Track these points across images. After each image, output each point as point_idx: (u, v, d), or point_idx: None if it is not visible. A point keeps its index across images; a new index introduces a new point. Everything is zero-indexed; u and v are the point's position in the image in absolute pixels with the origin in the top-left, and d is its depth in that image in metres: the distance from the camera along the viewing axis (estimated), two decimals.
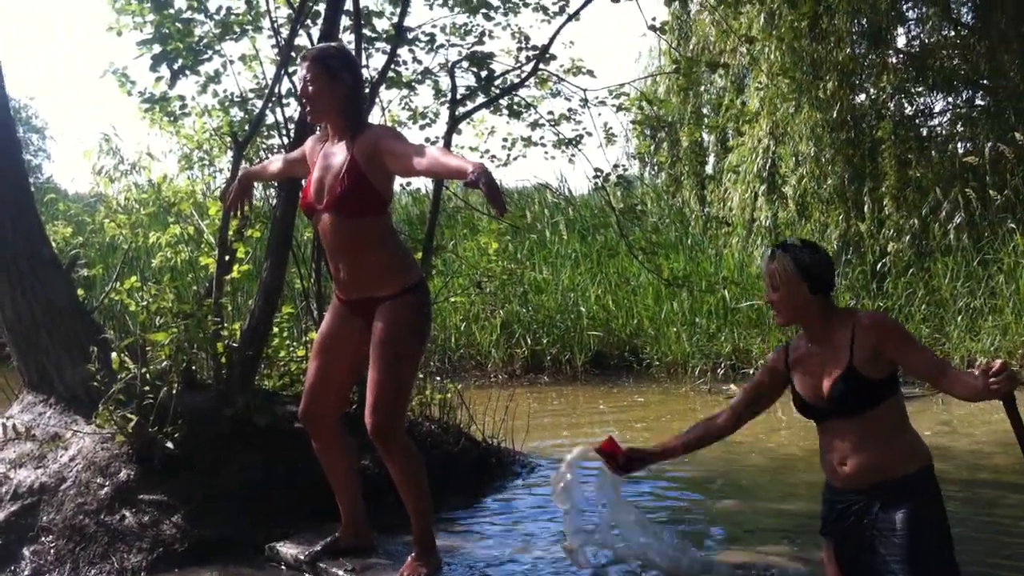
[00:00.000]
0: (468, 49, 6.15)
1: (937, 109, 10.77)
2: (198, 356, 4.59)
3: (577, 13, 6.20)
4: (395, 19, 5.78)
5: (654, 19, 6.58)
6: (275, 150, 5.70)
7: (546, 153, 6.99)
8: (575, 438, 6.69)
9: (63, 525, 3.88)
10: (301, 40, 5.19)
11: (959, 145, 10.19)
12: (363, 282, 3.35)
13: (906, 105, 10.38)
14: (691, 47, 12.24)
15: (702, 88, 12.67)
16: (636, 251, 7.77)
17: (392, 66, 5.79)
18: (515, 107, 6.56)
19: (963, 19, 10.71)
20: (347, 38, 5.30)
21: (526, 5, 6.35)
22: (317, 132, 3.61)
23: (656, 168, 14.60)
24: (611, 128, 7.03)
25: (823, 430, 2.57)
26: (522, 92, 6.48)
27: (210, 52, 5.29)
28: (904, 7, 10.49)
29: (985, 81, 10.26)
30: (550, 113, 6.79)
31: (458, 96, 6.03)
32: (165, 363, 4.27)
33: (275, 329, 5.00)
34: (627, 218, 7.88)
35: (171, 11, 5.05)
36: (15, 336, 4.49)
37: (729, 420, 2.76)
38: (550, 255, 11.65)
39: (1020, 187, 9.18)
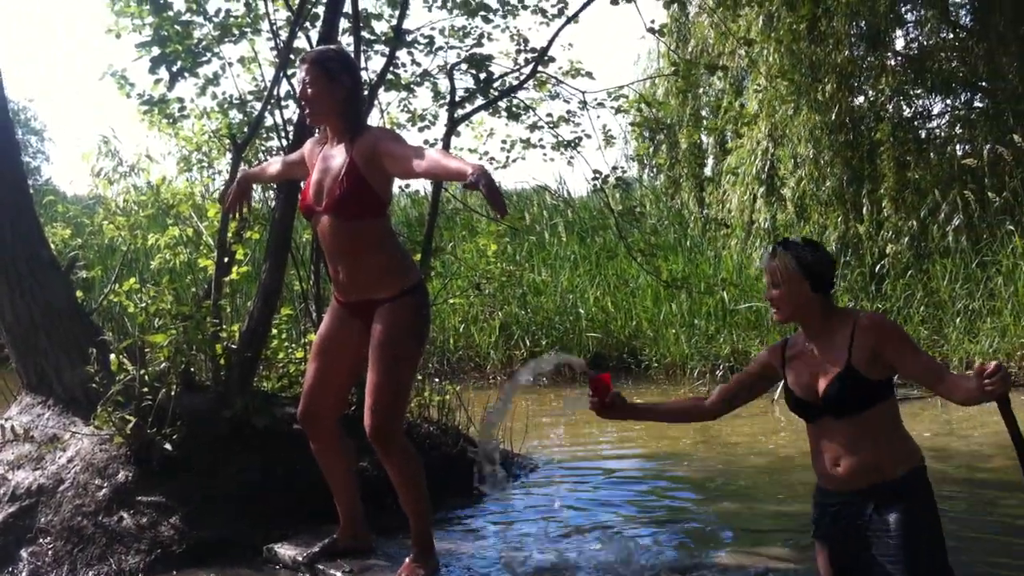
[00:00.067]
0: (467, 51, 6.16)
1: (936, 111, 10.79)
2: (197, 358, 4.59)
3: (576, 15, 6.22)
4: (394, 21, 5.79)
5: (653, 21, 6.60)
6: (274, 152, 5.70)
7: (545, 155, 7.01)
8: (574, 439, 6.70)
9: (61, 526, 3.88)
10: (300, 42, 5.19)
11: (958, 147, 10.20)
12: (362, 284, 3.35)
13: (905, 107, 10.40)
14: (690, 49, 12.26)
15: (701, 90, 12.69)
16: (635, 253, 7.77)
17: (391, 68, 5.80)
18: (514, 109, 6.57)
19: (962, 21, 10.73)
20: (346, 40, 5.31)
21: (525, 7, 6.36)
22: (316, 134, 3.61)
23: (655, 170, 14.62)
24: (610, 130, 7.13)
25: (815, 430, 2.56)
26: (521, 94, 6.50)
27: (209, 54, 5.30)
28: (903, 9, 10.50)
29: (984, 83, 10.28)
30: (549, 115, 6.82)
31: (457, 98, 6.04)
32: (164, 365, 4.27)
33: (274, 331, 5.00)
34: (626, 220, 7.88)
35: (170, 13, 5.05)
36: (14, 338, 4.49)
37: (716, 405, 2.76)
38: (549, 257, 11.66)
39: (1019, 189, 9.19)
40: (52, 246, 4.91)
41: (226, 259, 4.78)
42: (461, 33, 6.27)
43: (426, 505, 3.46)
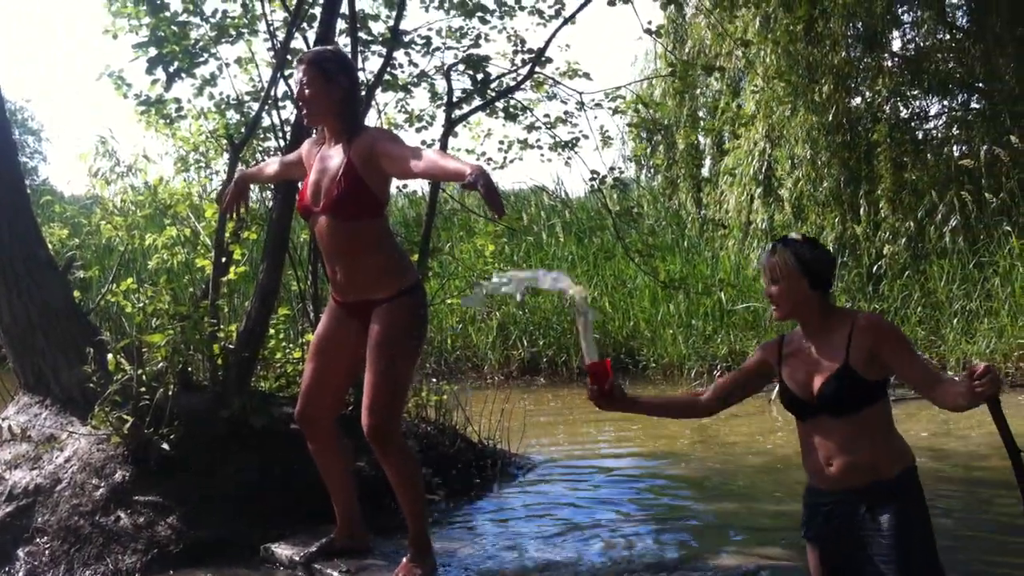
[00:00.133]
0: (464, 52, 6.17)
1: (932, 112, 10.81)
2: (194, 358, 4.60)
3: (573, 16, 6.24)
4: (391, 22, 5.80)
5: (650, 23, 6.60)
6: (271, 153, 5.71)
7: (542, 156, 7.02)
8: (571, 439, 6.70)
9: (58, 526, 3.88)
10: (297, 43, 5.21)
11: (955, 148, 10.21)
12: (360, 284, 3.35)
13: (902, 108, 10.40)
14: (687, 50, 12.27)
15: (698, 91, 12.69)
16: (632, 253, 7.78)
17: (388, 69, 5.80)
18: (511, 110, 6.58)
19: (958, 23, 10.74)
20: (343, 41, 5.31)
21: (522, 8, 6.37)
22: (314, 135, 3.61)
23: (652, 171, 14.62)
24: (607, 131, 7.11)
25: (808, 428, 2.56)
26: (518, 95, 6.50)
27: (206, 55, 5.30)
28: (899, 11, 10.52)
29: (980, 84, 10.29)
30: (546, 116, 6.84)
31: (454, 99, 6.05)
32: (161, 365, 4.27)
33: (271, 331, 5.00)
34: (623, 220, 7.89)
35: (167, 14, 5.05)
36: (11, 338, 4.49)
37: (712, 401, 2.75)
38: (547, 257, 11.67)
39: (1015, 190, 9.20)
40: (49, 246, 4.91)
41: (223, 259, 4.78)
42: (458, 34, 6.28)
43: (423, 505, 3.47)
